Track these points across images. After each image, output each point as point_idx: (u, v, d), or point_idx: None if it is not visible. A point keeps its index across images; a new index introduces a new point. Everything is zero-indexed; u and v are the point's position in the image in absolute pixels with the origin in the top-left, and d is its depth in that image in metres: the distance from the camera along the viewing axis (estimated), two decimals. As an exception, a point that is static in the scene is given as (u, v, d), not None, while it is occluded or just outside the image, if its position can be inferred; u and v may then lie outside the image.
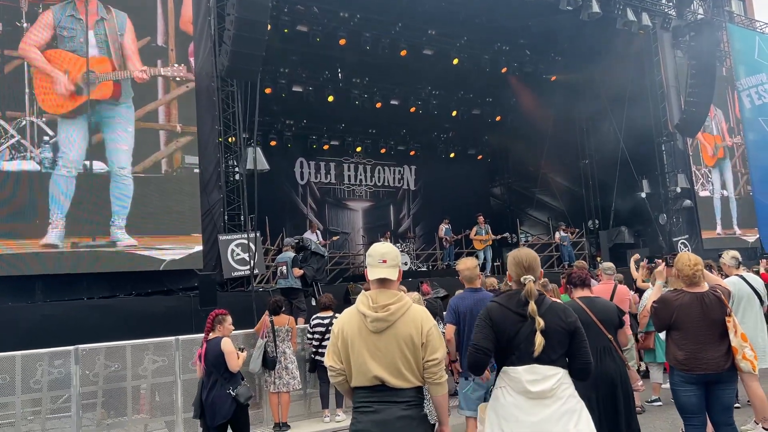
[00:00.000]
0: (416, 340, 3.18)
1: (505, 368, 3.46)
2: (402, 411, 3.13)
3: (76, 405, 7.11)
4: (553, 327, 3.44)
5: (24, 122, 10.38)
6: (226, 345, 5.90)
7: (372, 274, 3.31)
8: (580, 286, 5.02)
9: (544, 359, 3.40)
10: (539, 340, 3.38)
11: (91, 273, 10.74)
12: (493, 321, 3.46)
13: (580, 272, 5.13)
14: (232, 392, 5.76)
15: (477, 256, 16.25)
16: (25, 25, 10.58)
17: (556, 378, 3.40)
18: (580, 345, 3.49)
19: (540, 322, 3.41)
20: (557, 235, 18.01)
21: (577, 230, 18.98)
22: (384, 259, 3.30)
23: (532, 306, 3.44)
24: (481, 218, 17.04)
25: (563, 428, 3.32)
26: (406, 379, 3.16)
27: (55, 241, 10.38)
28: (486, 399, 3.67)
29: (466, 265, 5.94)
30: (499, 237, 17.14)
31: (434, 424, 4.09)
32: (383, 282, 3.29)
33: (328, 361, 3.38)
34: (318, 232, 15.85)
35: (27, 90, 10.49)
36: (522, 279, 3.54)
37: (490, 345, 3.44)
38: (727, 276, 7.30)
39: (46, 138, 10.53)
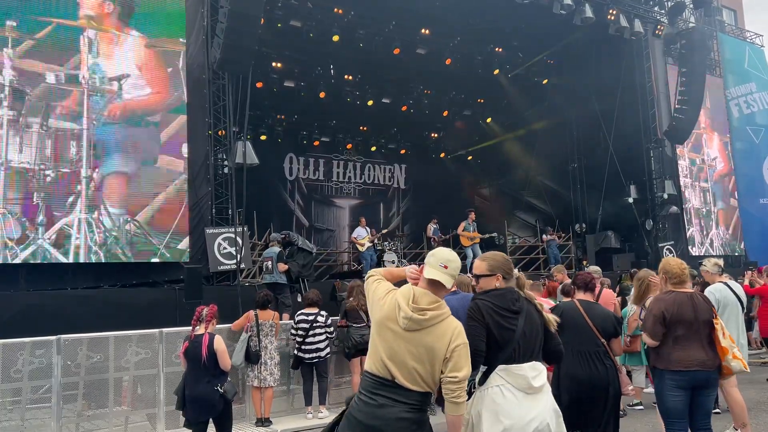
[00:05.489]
0: (438, 352, 3.06)
1: (505, 366, 3.43)
2: (404, 413, 3.04)
3: (56, 396, 7.06)
4: (537, 321, 3.60)
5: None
6: (220, 343, 5.81)
7: (428, 273, 3.20)
8: (582, 288, 5.00)
9: (536, 354, 3.53)
10: (552, 317, 3.64)
11: (75, 263, 10.65)
12: (487, 321, 3.48)
13: (584, 275, 5.13)
14: (220, 389, 5.69)
15: (465, 255, 16.12)
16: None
17: (545, 371, 3.55)
18: (551, 334, 3.67)
19: (542, 305, 3.65)
20: (544, 237, 18.09)
21: (564, 234, 19.06)
22: (446, 264, 3.20)
23: (528, 293, 3.66)
24: (472, 214, 16.51)
25: (552, 416, 3.44)
26: (416, 383, 3.07)
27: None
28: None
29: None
30: (486, 236, 16.94)
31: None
32: (435, 285, 3.19)
33: (376, 279, 3.37)
34: (368, 228, 16.02)
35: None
36: (515, 272, 3.69)
37: (485, 346, 3.47)
38: (708, 284, 7.34)
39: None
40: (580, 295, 4.97)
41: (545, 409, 3.42)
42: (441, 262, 3.20)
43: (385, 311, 3.16)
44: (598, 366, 4.51)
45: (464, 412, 3.17)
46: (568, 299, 5.11)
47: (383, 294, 3.24)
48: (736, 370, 4.73)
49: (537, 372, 3.46)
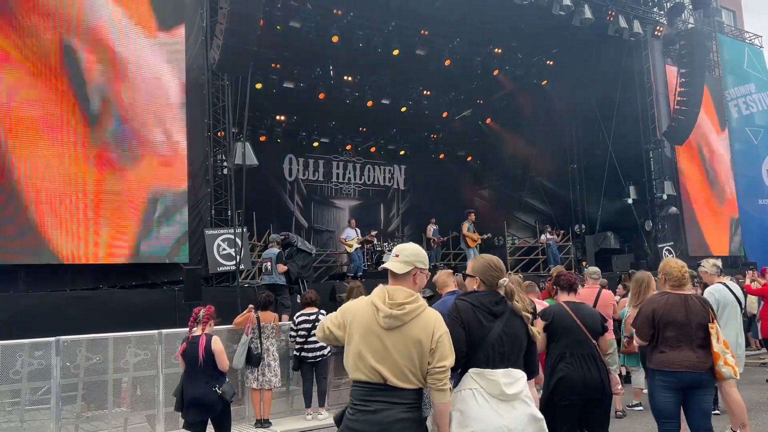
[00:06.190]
0: (425, 344, 3.11)
1: (478, 370, 3.43)
2: (402, 413, 3.05)
3: (55, 397, 7.05)
4: (519, 330, 3.57)
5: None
6: (217, 344, 5.80)
7: (386, 265, 3.35)
8: (566, 290, 4.95)
9: (513, 361, 3.49)
10: (536, 331, 3.62)
11: (74, 264, 10.63)
12: (464, 320, 3.49)
13: (568, 276, 5.08)
14: (218, 390, 5.68)
15: (466, 256, 16.08)
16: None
17: (524, 380, 3.51)
18: (534, 347, 3.69)
19: (529, 317, 3.59)
20: (543, 237, 18.06)
21: (563, 232, 19.06)
22: (398, 254, 3.34)
23: (516, 305, 3.58)
24: (472, 215, 16.55)
25: (527, 426, 3.38)
26: (408, 381, 3.09)
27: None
28: None
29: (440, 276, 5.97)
30: (485, 237, 17.01)
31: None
32: (393, 276, 3.27)
33: (326, 323, 3.33)
34: (357, 229, 16.19)
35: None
36: (501, 281, 3.63)
37: (465, 346, 3.45)
38: (707, 284, 7.34)
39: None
40: (565, 297, 4.93)
41: (518, 417, 3.37)
42: (395, 253, 3.35)
43: (365, 318, 3.19)
44: (591, 368, 4.48)
45: (449, 398, 3.22)
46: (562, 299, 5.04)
47: (355, 303, 3.30)
48: (727, 377, 4.73)
49: (512, 379, 3.43)
